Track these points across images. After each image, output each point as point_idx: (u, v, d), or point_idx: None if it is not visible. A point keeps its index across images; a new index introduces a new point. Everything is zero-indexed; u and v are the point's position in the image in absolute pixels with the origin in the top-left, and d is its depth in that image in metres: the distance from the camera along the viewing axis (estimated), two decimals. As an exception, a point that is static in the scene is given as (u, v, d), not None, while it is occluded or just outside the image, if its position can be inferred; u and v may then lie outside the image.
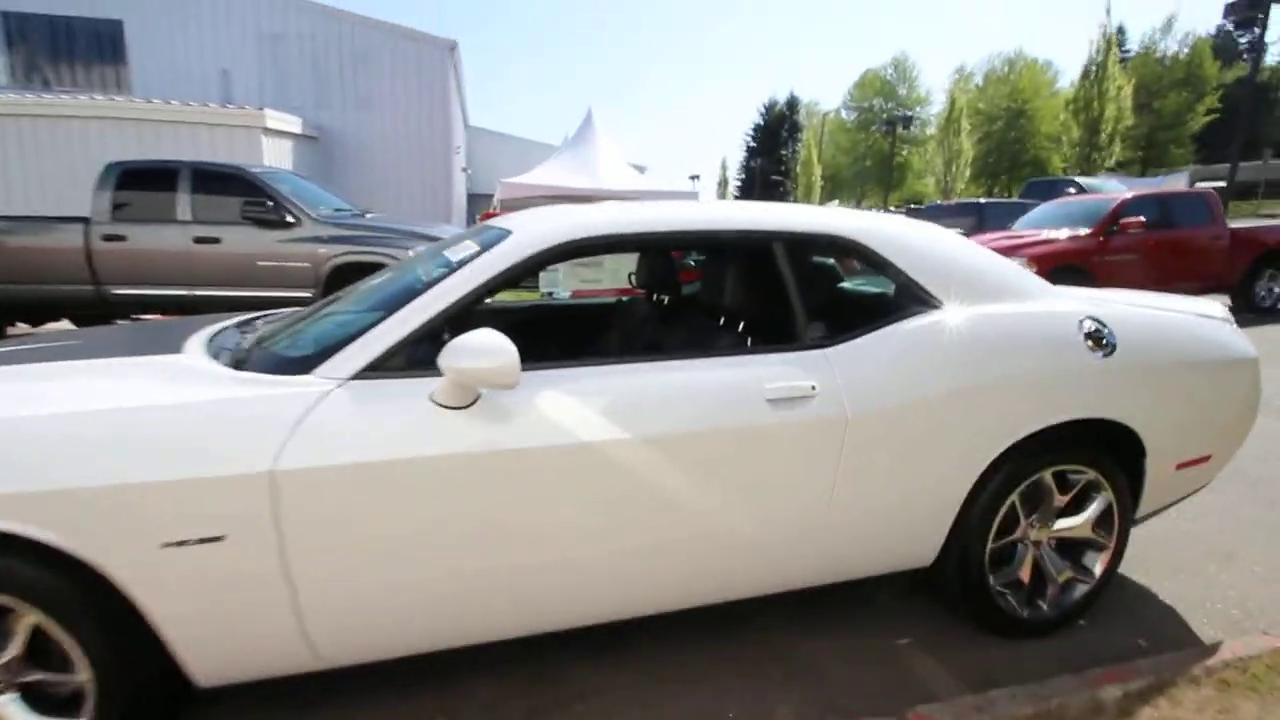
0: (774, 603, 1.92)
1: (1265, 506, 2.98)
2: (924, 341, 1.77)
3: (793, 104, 53.66)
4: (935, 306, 1.84)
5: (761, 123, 54.35)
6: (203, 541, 1.30)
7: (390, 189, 16.35)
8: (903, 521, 1.82)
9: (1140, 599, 2.28)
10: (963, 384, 1.75)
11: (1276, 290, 8.49)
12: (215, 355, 1.63)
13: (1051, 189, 15.42)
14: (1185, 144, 33.14)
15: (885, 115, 42.23)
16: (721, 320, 2.11)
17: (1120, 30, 23.89)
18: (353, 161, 16.42)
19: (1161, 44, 33.41)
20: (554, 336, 2.76)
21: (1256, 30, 15.02)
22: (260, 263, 5.96)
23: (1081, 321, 1.94)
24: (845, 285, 2.85)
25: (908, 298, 1.86)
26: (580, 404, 1.49)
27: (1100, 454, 1.98)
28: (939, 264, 1.89)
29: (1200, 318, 2.20)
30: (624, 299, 2.94)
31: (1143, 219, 7.75)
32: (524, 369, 1.49)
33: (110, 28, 15.88)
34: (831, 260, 3.10)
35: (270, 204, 5.92)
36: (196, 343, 1.75)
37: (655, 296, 2.65)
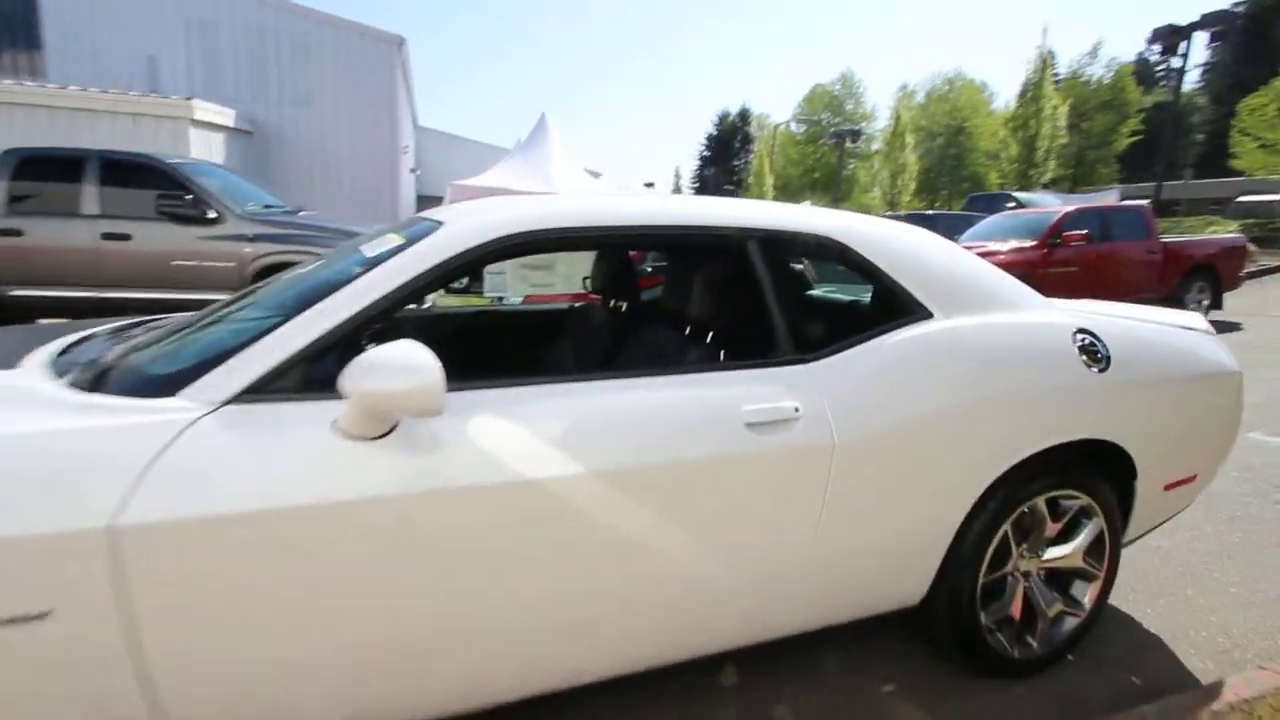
0: (747, 649, 1.70)
1: (1226, 522, 2.94)
2: (917, 355, 1.58)
3: (745, 115, 54.42)
4: (926, 316, 1.66)
5: (715, 133, 54.91)
6: (21, 620, 0.98)
7: (332, 188, 15.62)
8: (892, 557, 1.63)
9: (1124, 628, 2.16)
10: (960, 402, 1.57)
11: (1205, 302, 8.86)
12: (63, 372, 1.30)
13: (992, 203, 15.98)
14: (1111, 163, 35.04)
15: (833, 129, 43.23)
16: (687, 330, 1.88)
17: (1050, 55, 24.94)
18: (291, 159, 15.63)
19: (1089, 69, 35.37)
20: (496, 348, 2.49)
21: (1178, 57, 15.88)
22: (177, 262, 5.46)
23: (1075, 334, 1.79)
24: (814, 292, 2.67)
25: (895, 306, 1.67)
26: (524, 432, 1.23)
27: (1092, 477, 1.84)
28: (928, 269, 1.71)
29: (1183, 330, 2.10)
30: (578, 305, 2.69)
31: (1084, 232, 7.98)
32: (456, 389, 1.22)
33: (23, 8, 14.72)
34: (799, 265, 2.92)
35: (188, 197, 5.43)
36: (40, 356, 1.41)
37: (613, 303, 2.41)
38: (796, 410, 1.44)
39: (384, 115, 16.24)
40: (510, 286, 5.57)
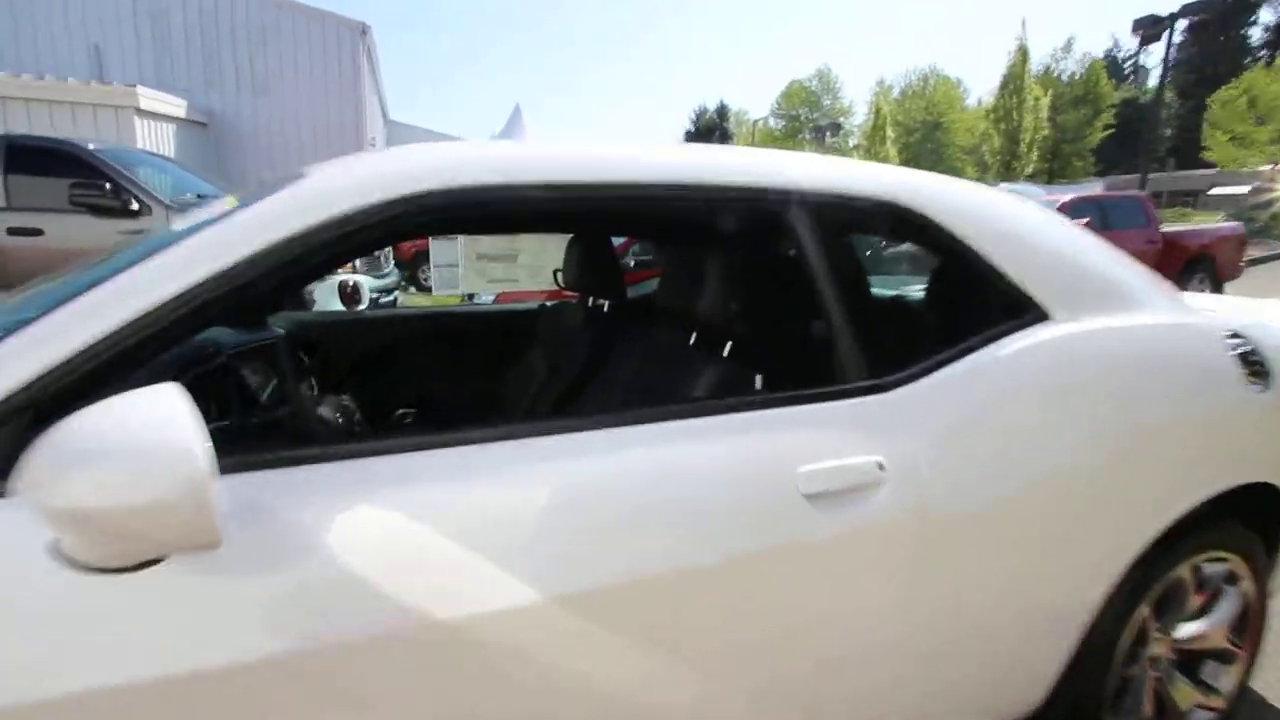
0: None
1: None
2: (1042, 374, 1.09)
3: (723, 111, 53.96)
4: (1040, 317, 1.16)
5: (692, 129, 54.42)
6: None
7: (294, 183, 14.82)
8: (1005, 664, 1.14)
9: (1252, 707, 1.69)
10: (1105, 442, 1.10)
11: (1206, 293, 8.59)
12: None
13: (978, 195, 15.79)
14: (1085, 157, 35.31)
15: (811, 124, 43.07)
16: (693, 339, 1.37)
17: (1027, 48, 24.90)
18: (250, 151, 14.83)
19: (1062, 63, 35.66)
20: (430, 370, 1.93)
21: (1142, 52, 15.91)
22: (96, 260, 4.81)
23: (1227, 340, 1.31)
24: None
25: (999, 303, 1.17)
26: (431, 537, 0.70)
27: (1243, 532, 1.37)
28: (1041, 250, 1.21)
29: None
30: (549, 305, 2.16)
31: (1086, 220, 7.66)
32: (320, 457, 0.69)
33: (-49, -5, 13.72)
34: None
35: (108, 186, 4.78)
36: None
37: (592, 302, 1.89)
38: (881, 468, 0.93)
39: (348, 105, 15.51)
40: (464, 281, 4.38)
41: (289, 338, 1.38)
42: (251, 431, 1.11)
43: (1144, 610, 1.27)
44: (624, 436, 0.85)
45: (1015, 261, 1.17)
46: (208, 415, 1.13)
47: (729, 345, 1.24)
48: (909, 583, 0.97)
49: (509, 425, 0.80)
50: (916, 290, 2.15)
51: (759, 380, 1.11)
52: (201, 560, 0.61)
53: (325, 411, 1.14)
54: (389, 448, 0.75)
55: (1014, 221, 1.24)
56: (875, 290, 2.19)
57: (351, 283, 2.55)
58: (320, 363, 1.69)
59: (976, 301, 1.19)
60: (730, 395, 1.04)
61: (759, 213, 1.10)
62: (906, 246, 4.89)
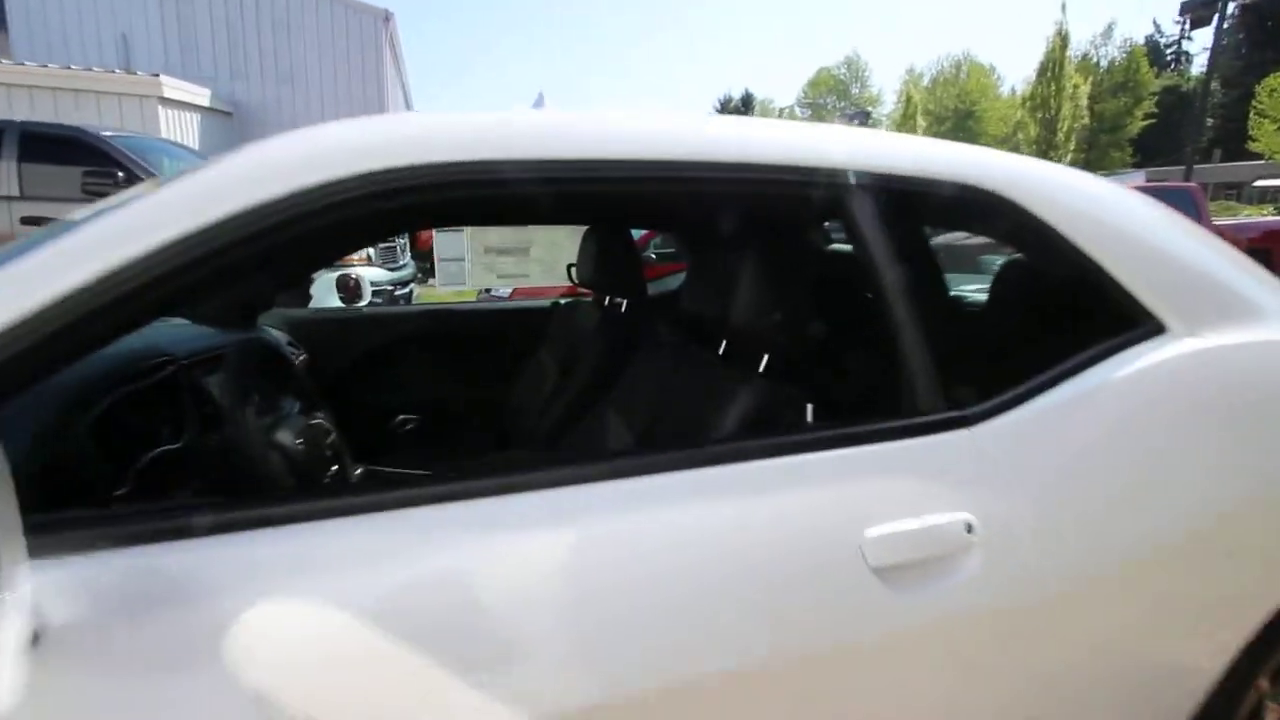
0: None
1: None
2: (1168, 402, 0.88)
3: (748, 100, 53.23)
4: (1155, 330, 0.94)
5: (716, 118, 53.76)
6: None
7: (317, 173, 14.85)
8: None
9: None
10: (1245, 483, 0.89)
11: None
12: None
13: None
14: (1124, 147, 34.17)
15: (839, 113, 42.35)
16: (722, 349, 1.17)
17: (1067, 34, 24.09)
18: (274, 141, 14.89)
19: (1102, 50, 34.52)
20: (427, 376, 1.76)
21: (1190, 37, 15.38)
22: (109, 250, 4.74)
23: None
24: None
25: (1105, 312, 0.95)
26: (366, 639, 0.52)
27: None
28: (1152, 247, 0.99)
29: None
30: (561, 303, 1.98)
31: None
32: (241, 523, 0.52)
33: (-17, -14, 13.92)
34: None
35: (121, 175, 4.70)
36: None
37: (609, 300, 1.70)
38: (969, 529, 0.73)
39: (372, 94, 15.48)
40: (470, 277, 4.01)
41: (255, 342, 1.21)
42: (181, 471, 0.95)
43: (1262, 681, 1.05)
44: (636, 490, 0.66)
45: (1126, 261, 0.95)
46: (148, 442, 0.96)
47: (766, 359, 1.04)
48: (1002, 669, 0.77)
49: (479, 479, 0.62)
50: (968, 291, 1.92)
51: (808, 409, 0.90)
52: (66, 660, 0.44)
53: (284, 437, 0.97)
54: (333, 509, 0.57)
55: (1121, 213, 1.01)
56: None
57: (353, 277, 2.39)
58: (308, 367, 1.53)
59: (1077, 310, 0.97)
60: (771, 427, 0.85)
61: (809, 198, 0.90)
62: (946, 237, 4.59)
